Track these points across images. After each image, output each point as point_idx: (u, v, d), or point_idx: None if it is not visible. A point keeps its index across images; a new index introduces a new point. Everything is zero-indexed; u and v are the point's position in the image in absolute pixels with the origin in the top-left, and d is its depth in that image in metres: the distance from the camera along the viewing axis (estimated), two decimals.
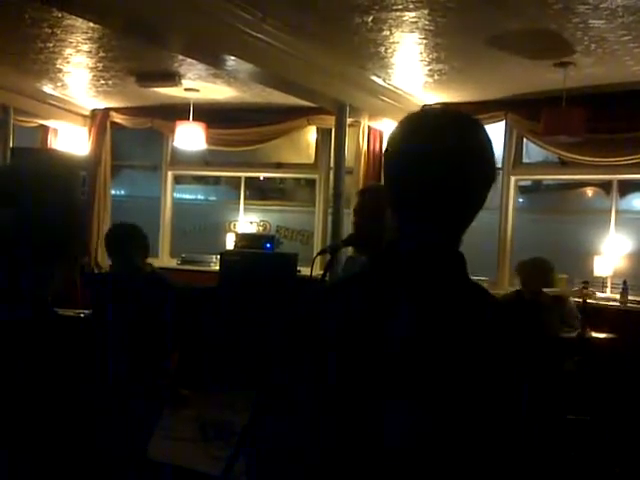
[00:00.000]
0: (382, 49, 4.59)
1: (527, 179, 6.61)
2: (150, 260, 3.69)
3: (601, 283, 5.70)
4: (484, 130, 1.13)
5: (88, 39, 4.71)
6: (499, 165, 6.03)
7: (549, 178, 6.61)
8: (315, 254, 3.05)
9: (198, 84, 5.86)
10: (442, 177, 1.07)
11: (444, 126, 1.11)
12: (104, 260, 6.01)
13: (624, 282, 5.61)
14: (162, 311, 3.35)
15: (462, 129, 1.11)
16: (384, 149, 1.16)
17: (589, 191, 6.69)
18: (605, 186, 6.15)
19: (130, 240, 3.44)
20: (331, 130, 6.05)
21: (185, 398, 3.33)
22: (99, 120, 7.18)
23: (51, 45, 4.86)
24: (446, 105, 5.91)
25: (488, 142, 1.13)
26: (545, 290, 4.82)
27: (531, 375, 1.06)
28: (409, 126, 1.13)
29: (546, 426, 1.08)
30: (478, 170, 1.10)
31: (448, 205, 1.09)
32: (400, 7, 3.77)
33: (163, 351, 3.36)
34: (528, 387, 1.05)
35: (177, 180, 7.69)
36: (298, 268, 6.16)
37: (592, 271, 5.69)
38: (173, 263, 7.17)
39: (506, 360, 1.05)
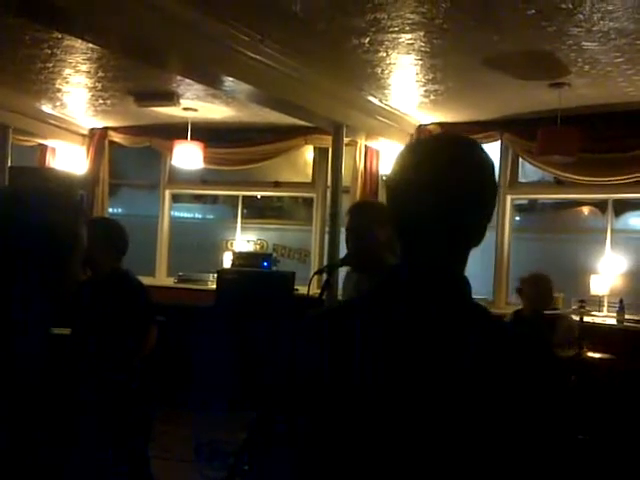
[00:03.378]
0: (379, 70, 4.63)
1: (523, 198, 6.64)
2: (147, 278, 3.67)
3: (597, 302, 5.71)
4: (485, 155, 1.14)
5: (87, 59, 4.75)
6: None
7: (545, 197, 6.65)
8: (312, 273, 3.07)
9: (196, 104, 5.90)
10: (444, 204, 1.09)
11: (445, 153, 1.13)
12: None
13: (620, 301, 5.61)
14: (131, 312, 3.28)
15: (464, 156, 1.13)
16: (386, 177, 1.18)
17: (585, 210, 6.71)
18: (601, 205, 6.18)
19: (104, 241, 3.26)
20: (328, 149, 6.09)
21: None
22: (97, 139, 7.21)
23: (51, 65, 4.91)
24: (442, 125, 5.97)
25: (490, 167, 1.14)
26: (548, 312, 4.82)
27: (543, 397, 1.04)
28: (410, 155, 1.16)
29: (560, 447, 1.05)
30: (480, 195, 1.12)
31: (451, 230, 1.11)
32: (396, 29, 3.82)
33: (133, 350, 3.30)
34: (540, 410, 1.03)
35: (175, 199, 7.71)
36: (295, 287, 6.17)
37: (589, 290, 5.71)
38: (170, 281, 7.17)
39: (516, 384, 1.03)
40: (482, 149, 1.15)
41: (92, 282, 3.41)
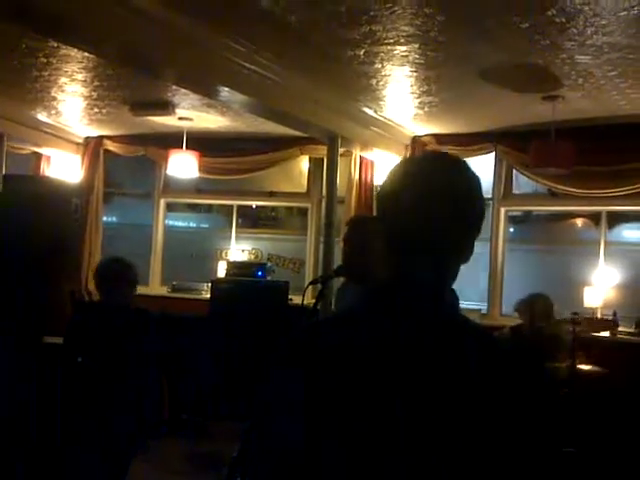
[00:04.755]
0: (373, 82, 4.66)
1: (517, 210, 6.67)
2: (141, 288, 3.68)
3: (591, 314, 5.72)
4: (472, 172, 1.18)
5: (83, 68, 4.76)
6: (489, 196, 6.09)
7: (539, 209, 6.67)
8: (307, 283, 3.07)
9: (192, 113, 5.91)
10: (432, 219, 1.12)
11: (432, 170, 1.17)
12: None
13: (614, 313, 5.63)
14: (144, 348, 3.33)
15: (449, 173, 1.16)
16: (377, 192, 1.21)
17: (578, 222, 6.74)
18: (594, 217, 6.21)
19: (118, 278, 3.39)
20: (323, 160, 6.10)
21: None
22: (92, 148, 7.21)
23: (46, 74, 4.91)
24: (436, 137, 5.99)
25: (476, 184, 1.17)
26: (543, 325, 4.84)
27: (529, 411, 1.05)
28: (400, 171, 1.19)
29: (548, 461, 1.06)
30: (467, 211, 1.15)
31: (439, 246, 1.13)
32: (391, 41, 3.84)
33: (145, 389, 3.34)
34: (525, 423, 1.04)
35: (169, 208, 7.70)
36: (289, 296, 6.16)
37: (582, 302, 5.72)
38: (164, 291, 7.15)
39: (502, 397, 1.04)
40: (468, 167, 1.18)
41: (101, 309, 3.45)
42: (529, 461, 1.03)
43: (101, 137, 7.17)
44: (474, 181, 1.17)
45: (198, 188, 7.38)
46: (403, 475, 1.02)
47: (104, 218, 7.46)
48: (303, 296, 2.96)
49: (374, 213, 1.22)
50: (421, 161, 1.25)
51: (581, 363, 4.86)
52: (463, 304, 1.22)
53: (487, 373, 1.06)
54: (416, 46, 3.90)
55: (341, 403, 1.05)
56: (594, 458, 4.63)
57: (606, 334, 5.55)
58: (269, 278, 6.51)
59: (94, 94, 5.47)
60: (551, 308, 4.91)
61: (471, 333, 1.13)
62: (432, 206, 1.11)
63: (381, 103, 5.22)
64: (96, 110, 6.06)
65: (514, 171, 6.20)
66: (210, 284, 6.50)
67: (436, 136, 6.00)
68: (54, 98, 5.67)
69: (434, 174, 1.15)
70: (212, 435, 5.32)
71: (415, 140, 6.08)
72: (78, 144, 7.27)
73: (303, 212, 7.19)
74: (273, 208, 7.77)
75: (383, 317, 1.09)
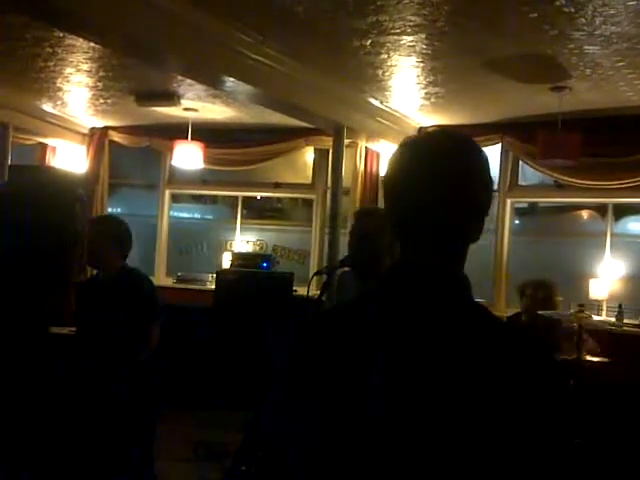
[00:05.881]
0: (380, 72, 4.64)
1: (523, 201, 6.64)
2: (150, 279, 3.66)
3: (597, 306, 5.70)
4: (482, 152, 1.14)
5: (88, 59, 4.75)
6: (495, 187, 6.07)
7: (545, 201, 6.64)
8: (311, 274, 3.07)
9: (197, 104, 5.89)
10: (441, 200, 1.08)
11: (442, 150, 1.12)
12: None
13: (619, 305, 5.61)
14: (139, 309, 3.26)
15: (460, 152, 1.12)
16: (383, 173, 1.17)
17: (584, 214, 6.71)
18: (600, 209, 6.18)
19: (112, 239, 3.28)
20: (329, 151, 6.09)
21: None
22: (97, 138, 7.20)
23: (52, 64, 4.90)
24: (442, 128, 5.97)
25: (486, 165, 1.14)
26: (542, 313, 4.80)
27: (544, 400, 1.03)
28: (407, 151, 1.14)
29: (558, 452, 1.04)
30: (477, 193, 1.11)
31: (448, 228, 1.10)
32: (398, 31, 3.82)
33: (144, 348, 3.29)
34: (540, 413, 1.01)
35: (174, 199, 7.70)
36: (294, 288, 6.16)
37: (588, 294, 5.70)
38: (169, 282, 7.16)
39: (517, 385, 1.02)
40: (475, 144, 1.15)
41: (100, 281, 3.40)
42: (546, 452, 1.02)
43: (106, 128, 7.16)
44: (486, 162, 1.13)
45: (203, 179, 7.37)
46: (417, 462, 1.01)
47: (109, 209, 7.47)
48: (308, 287, 2.95)
49: (379, 204, 1.20)
50: (430, 141, 1.17)
51: (586, 354, 4.85)
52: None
53: (500, 359, 1.04)
54: (423, 36, 3.88)
55: (354, 392, 1.04)
56: (600, 450, 4.63)
57: (612, 326, 5.54)
58: (274, 269, 6.51)
59: (99, 84, 5.46)
60: (552, 296, 4.85)
61: (487, 318, 1.10)
62: (438, 185, 1.08)
63: (387, 94, 5.19)
64: (101, 101, 6.06)
65: (520, 162, 6.18)
66: (215, 275, 6.50)
67: (442, 127, 5.97)
68: (59, 88, 5.67)
69: (445, 155, 1.10)
70: (215, 425, 5.33)
71: (421, 131, 6.05)
72: (83, 135, 7.27)
73: (308, 203, 7.18)
74: (278, 199, 7.76)
75: (394, 303, 1.08)
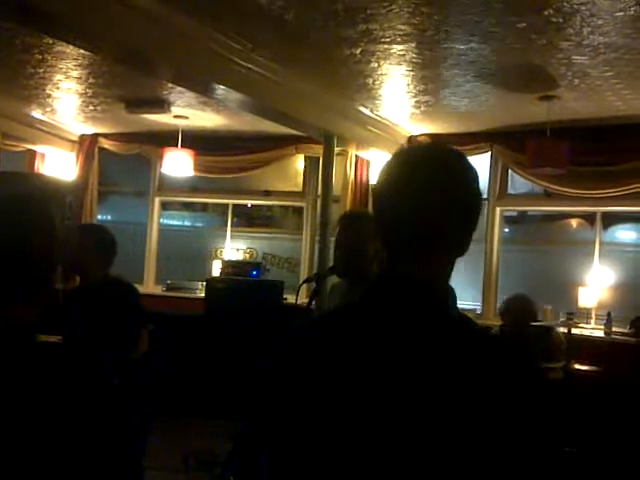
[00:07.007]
0: (370, 80, 4.65)
1: (512, 210, 6.67)
2: (135, 286, 3.64)
3: (585, 314, 5.72)
4: (470, 164, 1.15)
5: (78, 65, 4.74)
6: (484, 196, 6.09)
7: (534, 209, 6.68)
8: (301, 282, 3.05)
9: (187, 111, 5.89)
10: (430, 212, 1.09)
11: (432, 162, 1.13)
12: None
13: (608, 314, 5.64)
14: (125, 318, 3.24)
15: (450, 166, 1.13)
16: (373, 182, 1.17)
17: (574, 222, 6.75)
18: (589, 218, 6.22)
19: (95, 248, 3.24)
20: (319, 159, 6.09)
21: None
22: (87, 145, 7.18)
23: (41, 71, 4.89)
24: (432, 136, 5.99)
25: (476, 179, 1.14)
26: (532, 324, 4.78)
27: (531, 411, 1.02)
28: (398, 162, 1.15)
29: (547, 461, 1.03)
30: (466, 206, 1.12)
31: (435, 240, 1.10)
32: (388, 40, 3.83)
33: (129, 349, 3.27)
34: (526, 424, 1.01)
35: (164, 206, 7.68)
36: (284, 296, 6.15)
37: (577, 302, 5.72)
38: (158, 290, 7.13)
39: (502, 396, 1.02)
40: (466, 158, 1.15)
41: (83, 290, 3.38)
42: (533, 461, 1.02)
43: (96, 135, 7.14)
44: (475, 175, 1.14)
45: (193, 187, 7.35)
46: (403, 474, 1.01)
47: (98, 216, 7.43)
48: (297, 295, 2.94)
49: (369, 211, 1.20)
50: (421, 153, 1.19)
51: (575, 363, 4.86)
52: (460, 304, 1.20)
53: (486, 371, 1.04)
54: (413, 45, 3.89)
55: (340, 401, 1.04)
56: (590, 458, 4.64)
57: (600, 334, 5.56)
58: (264, 277, 6.50)
59: (89, 91, 5.45)
60: (529, 308, 4.75)
61: (469, 331, 1.11)
62: (427, 198, 1.08)
63: (377, 102, 5.21)
64: (91, 108, 6.04)
65: (509, 171, 6.21)
66: (205, 283, 6.48)
67: (432, 136, 5.99)
68: (49, 95, 5.65)
69: (435, 168, 1.11)
70: (205, 434, 5.30)
71: (411, 139, 6.08)
72: (73, 142, 7.24)
73: (298, 211, 7.18)
74: (268, 207, 7.76)
75: (380, 314, 1.08)
